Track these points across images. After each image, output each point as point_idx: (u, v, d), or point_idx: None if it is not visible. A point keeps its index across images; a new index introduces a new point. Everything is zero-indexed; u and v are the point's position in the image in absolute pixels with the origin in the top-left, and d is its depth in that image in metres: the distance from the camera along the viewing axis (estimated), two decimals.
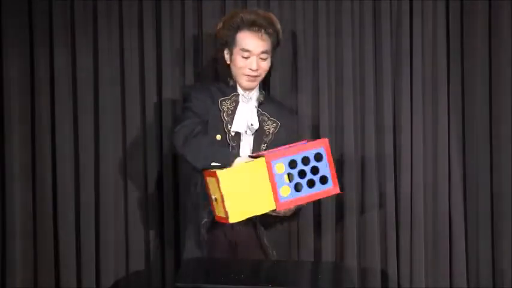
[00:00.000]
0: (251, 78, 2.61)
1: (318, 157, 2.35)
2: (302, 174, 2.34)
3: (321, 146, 2.36)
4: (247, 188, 2.33)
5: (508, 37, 3.02)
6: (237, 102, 2.65)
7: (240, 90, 2.66)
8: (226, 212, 2.32)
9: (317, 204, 2.97)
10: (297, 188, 2.36)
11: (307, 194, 2.36)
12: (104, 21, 3.05)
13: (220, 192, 2.31)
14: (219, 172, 2.31)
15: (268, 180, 2.33)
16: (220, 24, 2.64)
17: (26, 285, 3.06)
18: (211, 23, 3.03)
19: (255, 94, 2.67)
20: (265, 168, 2.32)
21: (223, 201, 2.31)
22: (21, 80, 3.04)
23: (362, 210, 3.06)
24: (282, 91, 3.04)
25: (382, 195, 3.06)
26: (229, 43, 2.60)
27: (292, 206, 2.40)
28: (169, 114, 3.05)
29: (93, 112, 3.07)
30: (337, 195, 3.01)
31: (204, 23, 3.05)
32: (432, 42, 3.05)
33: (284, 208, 2.39)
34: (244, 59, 2.58)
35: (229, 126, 2.61)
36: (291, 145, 2.42)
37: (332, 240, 3.05)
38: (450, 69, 3.07)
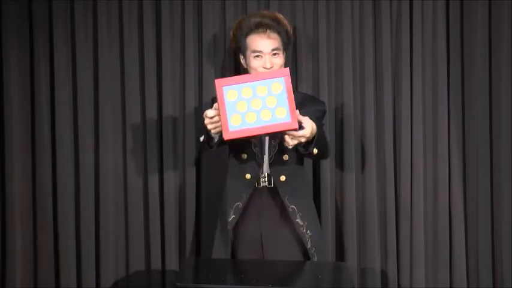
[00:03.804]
0: None
1: (277, 87, 2.17)
2: (256, 104, 2.17)
3: (281, 76, 2.17)
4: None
5: (508, 37, 3.02)
6: None
7: None
8: None
9: (317, 204, 2.97)
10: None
11: (261, 126, 2.16)
12: (104, 21, 3.05)
13: None
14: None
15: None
16: (231, 33, 2.69)
17: (26, 285, 3.06)
18: (211, 23, 3.04)
19: None
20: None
21: None
22: (21, 79, 3.05)
23: (362, 210, 3.06)
24: None
25: (382, 195, 3.06)
26: (242, 48, 2.65)
27: (241, 136, 2.20)
28: (170, 114, 3.06)
29: (93, 112, 3.08)
30: (337, 195, 3.05)
31: (204, 23, 3.05)
32: (432, 41, 3.04)
33: (232, 138, 2.18)
34: (257, 60, 2.60)
35: None
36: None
37: (332, 240, 3.04)
38: (450, 68, 3.06)
